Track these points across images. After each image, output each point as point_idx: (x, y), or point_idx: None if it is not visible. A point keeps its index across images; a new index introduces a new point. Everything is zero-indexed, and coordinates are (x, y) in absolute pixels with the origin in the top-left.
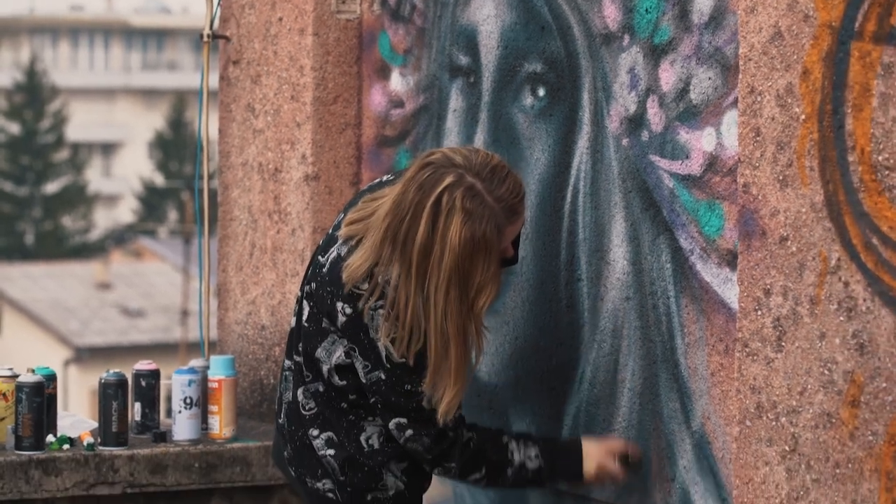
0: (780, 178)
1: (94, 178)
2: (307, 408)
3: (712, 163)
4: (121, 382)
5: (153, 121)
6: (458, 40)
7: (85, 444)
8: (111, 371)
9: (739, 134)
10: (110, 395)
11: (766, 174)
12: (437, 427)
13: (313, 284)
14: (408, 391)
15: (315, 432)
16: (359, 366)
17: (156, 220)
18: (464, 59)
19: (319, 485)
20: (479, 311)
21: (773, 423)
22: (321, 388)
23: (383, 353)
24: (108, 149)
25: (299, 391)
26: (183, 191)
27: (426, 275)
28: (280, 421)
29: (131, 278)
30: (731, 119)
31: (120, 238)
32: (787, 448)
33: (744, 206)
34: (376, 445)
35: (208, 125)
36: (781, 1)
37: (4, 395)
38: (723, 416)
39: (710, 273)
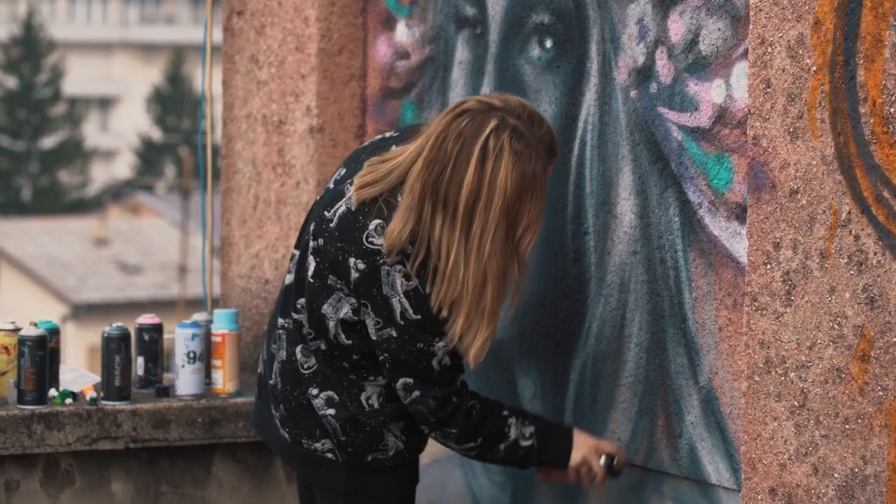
0: (791, 130)
1: (92, 132)
2: (306, 366)
3: (721, 115)
4: (123, 336)
5: (151, 75)
6: None
7: (88, 398)
8: (114, 325)
9: (749, 85)
10: (113, 350)
11: (777, 126)
12: (444, 390)
13: (320, 240)
14: (419, 349)
15: (315, 391)
16: (370, 322)
17: (153, 176)
18: (470, 10)
19: (318, 445)
20: (525, 250)
21: (782, 378)
22: (323, 346)
23: (397, 310)
24: (105, 103)
25: (297, 349)
26: (181, 146)
27: (471, 220)
28: (271, 381)
29: (129, 234)
30: (740, 71)
31: (117, 194)
32: (795, 403)
33: (753, 159)
34: (376, 405)
35: (212, 78)
36: None
37: (6, 348)
38: (731, 371)
39: (719, 227)
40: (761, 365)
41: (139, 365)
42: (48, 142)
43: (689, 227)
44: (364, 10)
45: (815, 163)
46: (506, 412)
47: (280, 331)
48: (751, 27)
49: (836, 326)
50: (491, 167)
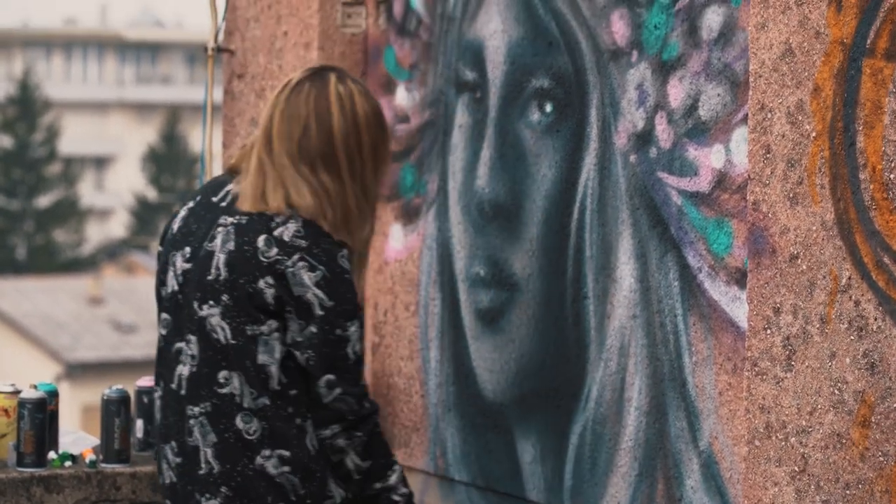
0: (791, 195)
1: (87, 192)
2: (252, 431)
3: (721, 180)
4: (123, 399)
5: (146, 135)
6: (464, 55)
7: (87, 461)
8: (113, 387)
9: (749, 151)
10: (112, 412)
11: (777, 192)
12: (360, 386)
13: (224, 297)
14: (338, 336)
15: (267, 452)
16: (294, 327)
17: (148, 235)
18: (470, 75)
19: None
20: (382, 176)
21: (783, 443)
22: (267, 401)
23: (315, 304)
24: (100, 162)
25: (236, 420)
26: (176, 205)
27: (353, 161)
28: (202, 471)
29: (124, 293)
30: (740, 136)
31: (112, 253)
32: (796, 468)
33: (753, 224)
34: (317, 446)
35: (212, 139)
36: (793, 17)
37: (6, 411)
38: (731, 435)
39: (719, 291)
40: (762, 430)
41: (139, 427)
42: (43, 201)
43: (688, 292)
44: (364, 73)
45: (815, 228)
46: (395, 457)
47: (199, 418)
48: (751, 93)
49: (836, 392)
50: (350, 109)
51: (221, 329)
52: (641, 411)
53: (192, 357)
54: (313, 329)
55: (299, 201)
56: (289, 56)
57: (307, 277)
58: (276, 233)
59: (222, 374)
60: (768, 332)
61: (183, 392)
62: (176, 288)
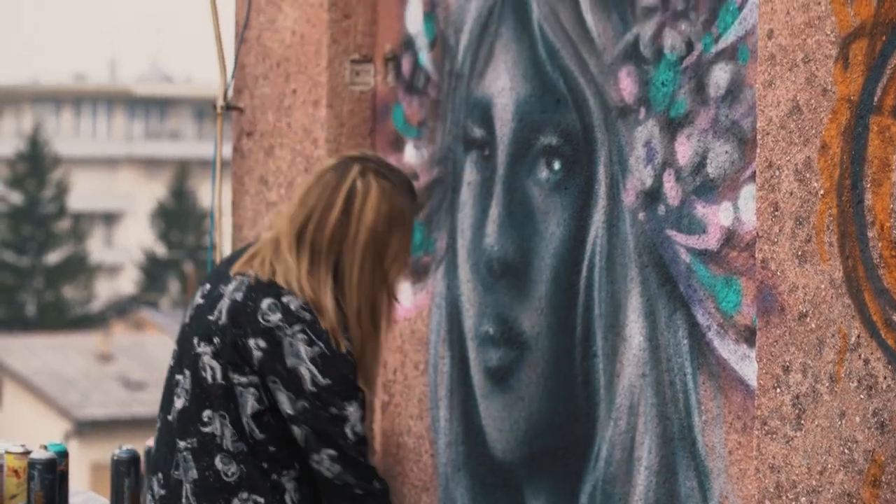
0: (799, 253)
1: (96, 247)
2: (230, 473)
3: (729, 238)
4: (133, 459)
5: (155, 190)
6: (472, 112)
7: None
8: (123, 448)
9: (757, 209)
10: (122, 473)
11: (785, 249)
12: (363, 462)
13: (216, 339)
14: (333, 415)
15: (244, 495)
16: (283, 398)
17: (157, 291)
18: (478, 132)
19: None
20: (394, 282)
21: (793, 502)
22: (245, 448)
23: (307, 378)
24: (109, 218)
25: (216, 460)
26: (185, 261)
27: (342, 254)
28: None
29: (133, 350)
30: (748, 193)
31: (121, 309)
32: None
33: (762, 282)
34: (297, 501)
35: (221, 197)
36: (800, 75)
37: (16, 471)
38: (741, 495)
39: (728, 349)
40: (772, 489)
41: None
42: (53, 257)
43: (698, 350)
44: (373, 131)
45: (823, 286)
46: None
47: (184, 452)
48: (758, 150)
49: (846, 451)
50: (358, 206)
51: (211, 369)
52: (651, 470)
53: (186, 391)
54: (305, 405)
55: (295, 288)
56: (297, 114)
57: (304, 350)
58: (283, 300)
59: (206, 413)
60: (778, 390)
61: (175, 425)
62: (187, 321)
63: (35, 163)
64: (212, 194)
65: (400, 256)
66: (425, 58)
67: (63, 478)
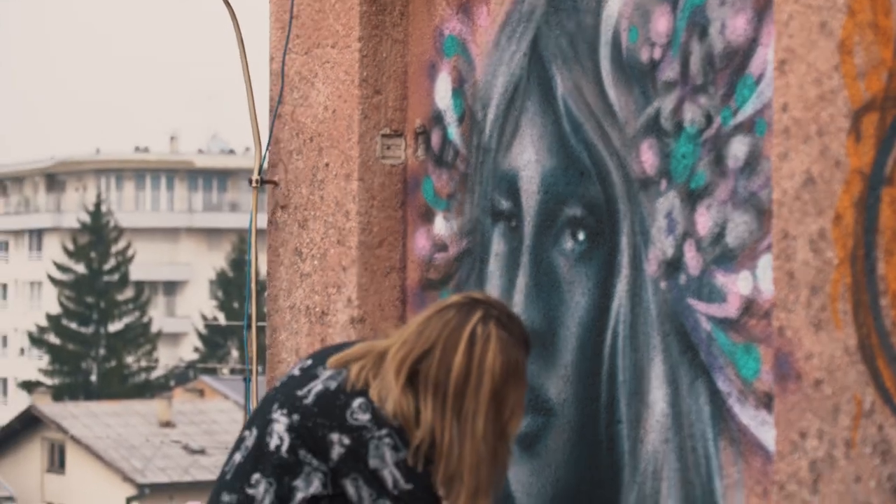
0: (815, 321)
1: (158, 316)
2: None
3: (748, 306)
4: None
5: (215, 260)
6: (499, 185)
7: None
8: None
9: (774, 278)
10: None
11: (801, 318)
12: None
13: (295, 416)
14: None
15: None
16: (365, 494)
17: (218, 359)
18: (505, 204)
19: None
20: (511, 435)
21: None
22: None
23: (389, 481)
24: (170, 287)
25: None
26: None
27: (462, 402)
28: None
29: (193, 416)
30: (766, 263)
31: (183, 376)
32: None
33: (779, 349)
34: None
35: (257, 268)
36: (813, 147)
37: None
38: None
39: (748, 415)
40: None
41: None
42: (115, 326)
43: (719, 416)
44: (403, 203)
45: (838, 354)
46: None
47: None
48: (774, 221)
49: None
50: (479, 352)
51: (279, 438)
52: None
53: (247, 448)
54: (387, 502)
55: (388, 406)
56: (330, 187)
57: (389, 455)
58: (375, 401)
59: (255, 476)
60: (795, 455)
61: (226, 478)
62: (277, 385)
63: (97, 234)
64: (248, 266)
65: (517, 411)
66: (454, 132)
67: None
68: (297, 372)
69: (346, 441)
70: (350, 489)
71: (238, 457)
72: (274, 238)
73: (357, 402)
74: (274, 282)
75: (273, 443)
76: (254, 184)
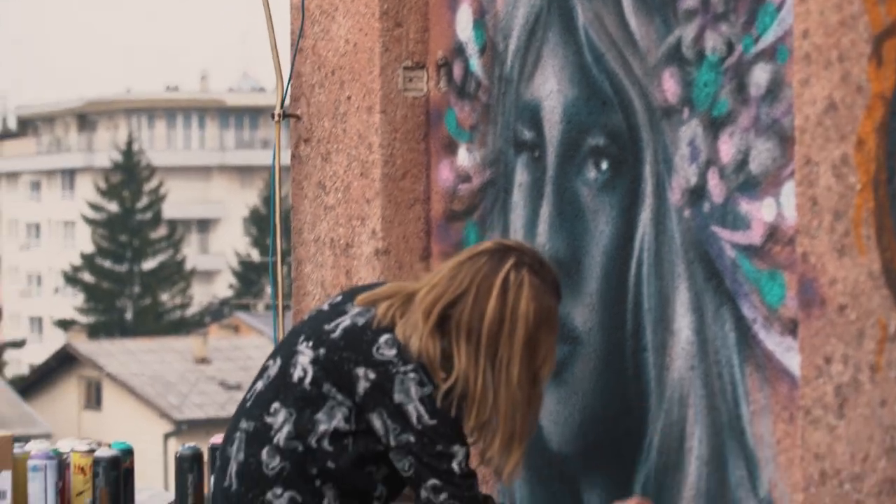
0: (838, 247)
1: (191, 254)
2: (271, 466)
3: (772, 233)
4: (196, 456)
5: (248, 197)
6: (522, 115)
7: None
8: (186, 445)
9: (797, 204)
10: (186, 469)
11: (824, 243)
12: (472, 493)
13: (321, 350)
14: (439, 452)
15: (279, 490)
16: (389, 428)
17: (252, 295)
18: (528, 134)
19: None
20: (543, 382)
21: (838, 490)
22: (300, 449)
23: (413, 416)
24: (204, 225)
25: (263, 451)
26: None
27: (496, 349)
28: (225, 483)
29: (229, 352)
30: (789, 189)
31: (217, 313)
32: None
33: (803, 275)
34: None
35: (281, 202)
36: (835, 73)
37: (83, 469)
38: (789, 483)
39: (773, 341)
40: (817, 477)
41: (212, 484)
42: (149, 264)
43: (744, 343)
44: (426, 135)
45: (862, 279)
46: None
47: (238, 433)
48: (796, 147)
49: (888, 438)
50: (512, 298)
51: (303, 370)
52: (702, 461)
53: (269, 378)
54: (411, 438)
55: (413, 344)
56: (352, 120)
57: (414, 390)
58: (400, 339)
59: (275, 405)
60: (820, 380)
61: (247, 405)
62: (304, 318)
63: (130, 173)
64: (271, 200)
65: (549, 358)
66: (476, 63)
67: (128, 475)
68: (325, 307)
69: (372, 375)
70: (377, 422)
71: (260, 385)
72: (297, 171)
73: (384, 338)
74: (298, 215)
75: (296, 374)
76: (276, 118)
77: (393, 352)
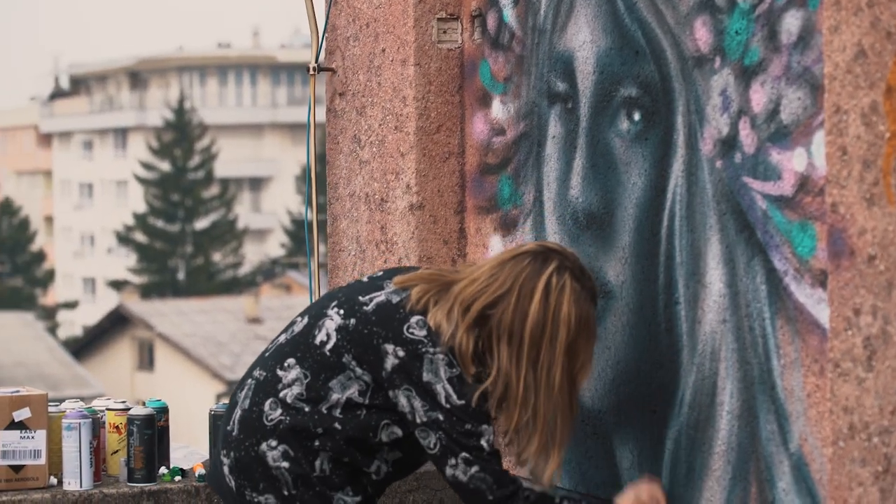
0: (867, 196)
1: (243, 213)
2: (270, 418)
3: (803, 183)
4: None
5: (300, 155)
6: (555, 67)
7: (197, 475)
8: (220, 402)
9: (826, 153)
10: (219, 426)
11: (853, 193)
12: (499, 467)
13: (352, 321)
14: (468, 430)
15: (274, 442)
16: (417, 404)
17: (304, 255)
18: (561, 86)
19: (261, 498)
20: (579, 387)
21: (866, 443)
22: (307, 409)
23: (441, 395)
24: (256, 184)
25: (266, 402)
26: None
27: (538, 352)
28: (228, 427)
29: (281, 312)
30: (820, 139)
31: (269, 272)
32: (879, 469)
33: (832, 226)
34: (328, 471)
35: (316, 157)
36: (864, 19)
37: (117, 427)
38: (819, 437)
39: (804, 294)
40: (846, 430)
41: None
42: (201, 223)
43: (775, 295)
44: (461, 87)
45: (891, 228)
46: (557, 500)
47: (250, 380)
48: (826, 95)
49: None
50: (554, 302)
51: (327, 335)
52: (733, 415)
53: (291, 333)
54: (439, 416)
55: (444, 332)
56: (387, 73)
57: (444, 371)
58: (431, 324)
59: (290, 361)
60: (849, 332)
61: (266, 355)
62: (342, 285)
63: (182, 131)
64: (307, 153)
65: (587, 365)
66: (509, 14)
67: (163, 433)
68: (365, 279)
69: (401, 353)
70: (402, 399)
71: (282, 338)
72: (333, 126)
73: (415, 318)
74: (334, 170)
75: (319, 337)
76: (311, 71)
77: (423, 332)
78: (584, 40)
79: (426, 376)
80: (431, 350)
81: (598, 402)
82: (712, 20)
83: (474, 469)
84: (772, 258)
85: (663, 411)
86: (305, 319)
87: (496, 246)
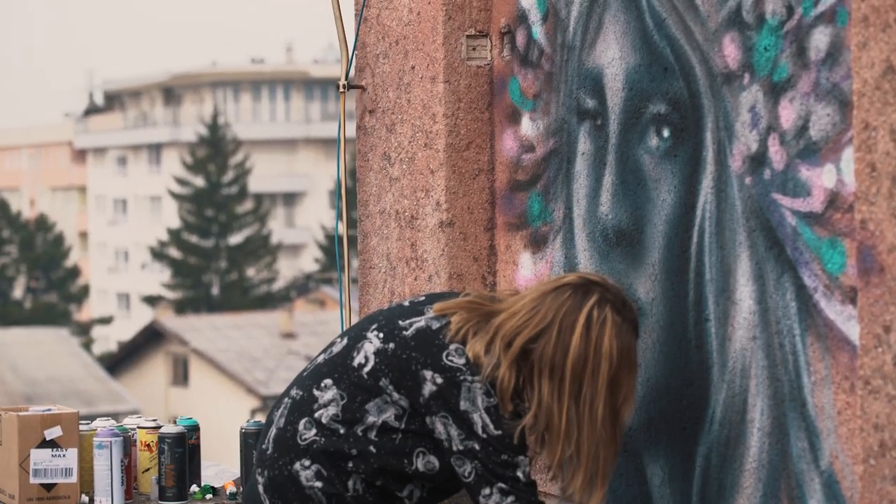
0: None
1: (277, 228)
2: (304, 437)
3: (833, 199)
4: (260, 431)
5: (333, 170)
6: (584, 83)
7: (228, 493)
8: (251, 421)
9: (855, 170)
10: (251, 445)
11: (883, 209)
12: (536, 498)
13: (391, 345)
14: (504, 461)
15: (307, 462)
16: (453, 433)
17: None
18: (591, 102)
19: None
20: (624, 421)
21: None
22: (342, 430)
23: (478, 424)
24: (290, 199)
25: (301, 422)
26: None
27: (580, 386)
28: (263, 446)
29: (315, 327)
30: (849, 155)
31: (303, 287)
32: None
33: (861, 243)
34: (361, 491)
35: (346, 174)
36: (893, 35)
37: (149, 445)
38: (850, 454)
39: (834, 310)
40: (876, 448)
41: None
42: (235, 238)
43: (805, 312)
44: (490, 104)
45: None
46: None
47: (287, 399)
48: (854, 112)
49: None
50: (596, 336)
51: (365, 358)
52: (764, 432)
53: (330, 354)
54: (476, 446)
55: (485, 365)
56: (417, 90)
57: (481, 400)
58: (469, 355)
59: (327, 381)
60: (879, 350)
61: (304, 374)
62: (384, 308)
63: (215, 146)
64: (337, 171)
65: (629, 398)
66: (538, 31)
67: (194, 451)
68: (406, 303)
69: (439, 380)
70: (439, 426)
71: (321, 358)
72: (363, 143)
73: (454, 346)
74: (364, 187)
75: (358, 360)
76: (341, 89)
77: (462, 360)
78: (612, 57)
79: (463, 405)
80: (469, 378)
81: (630, 420)
82: (741, 37)
83: (510, 499)
84: (801, 275)
85: (693, 428)
86: (345, 341)
87: (526, 263)
